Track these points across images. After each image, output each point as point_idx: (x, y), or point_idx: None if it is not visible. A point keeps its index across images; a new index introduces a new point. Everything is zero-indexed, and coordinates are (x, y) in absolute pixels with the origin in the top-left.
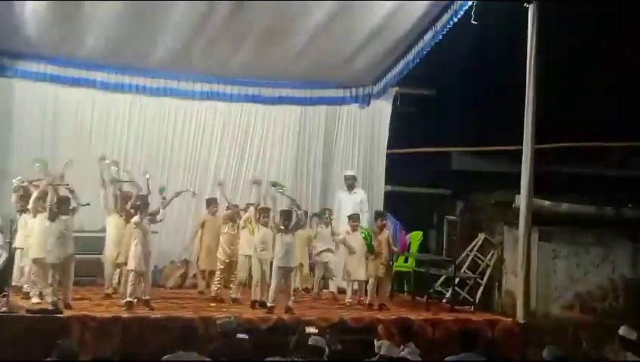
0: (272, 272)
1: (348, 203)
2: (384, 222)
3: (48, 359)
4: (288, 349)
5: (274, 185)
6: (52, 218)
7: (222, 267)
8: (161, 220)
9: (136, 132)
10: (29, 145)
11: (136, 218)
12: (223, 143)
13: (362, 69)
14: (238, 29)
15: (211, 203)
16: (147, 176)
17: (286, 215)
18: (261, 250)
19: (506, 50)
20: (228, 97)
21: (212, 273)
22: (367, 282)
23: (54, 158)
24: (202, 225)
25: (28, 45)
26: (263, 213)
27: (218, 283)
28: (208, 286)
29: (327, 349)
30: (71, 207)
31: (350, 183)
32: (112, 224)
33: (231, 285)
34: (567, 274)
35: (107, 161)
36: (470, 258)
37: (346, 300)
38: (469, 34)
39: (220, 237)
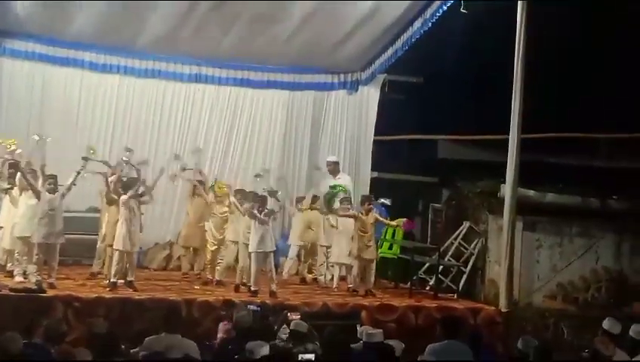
0: (251, 257)
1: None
2: (370, 205)
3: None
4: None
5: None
6: (37, 197)
7: (212, 250)
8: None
9: (123, 112)
10: (17, 123)
11: (123, 197)
12: (210, 126)
13: (351, 55)
14: (227, 13)
15: (196, 185)
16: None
17: (261, 200)
18: (248, 234)
19: (495, 39)
20: (216, 80)
21: (195, 252)
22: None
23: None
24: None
25: (17, 24)
26: (248, 198)
27: (209, 265)
28: (192, 267)
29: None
30: (62, 191)
31: (332, 169)
32: (104, 205)
33: (217, 267)
34: (551, 264)
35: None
36: (454, 246)
37: (334, 286)
38: (458, 22)
39: (210, 221)
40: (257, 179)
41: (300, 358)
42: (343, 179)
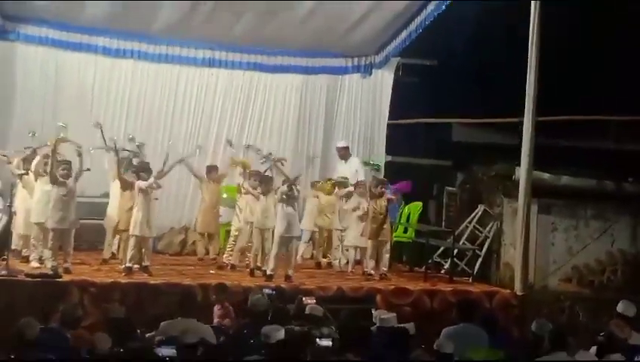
0: (274, 241)
1: (344, 172)
2: (383, 189)
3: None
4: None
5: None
6: (53, 182)
7: (235, 234)
8: (158, 187)
9: (137, 98)
10: (31, 108)
11: (139, 183)
12: (224, 111)
13: (365, 38)
14: None
15: (212, 170)
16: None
17: (291, 185)
18: (264, 218)
19: (509, 21)
20: (230, 65)
21: (211, 237)
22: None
23: (55, 123)
24: (202, 188)
25: (31, 9)
26: (264, 181)
27: (231, 252)
28: (208, 252)
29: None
30: (74, 173)
31: (342, 154)
32: (116, 190)
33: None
34: (566, 246)
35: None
36: (469, 229)
37: (349, 270)
38: (472, 5)
39: (237, 206)
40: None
41: (317, 344)
42: (354, 163)
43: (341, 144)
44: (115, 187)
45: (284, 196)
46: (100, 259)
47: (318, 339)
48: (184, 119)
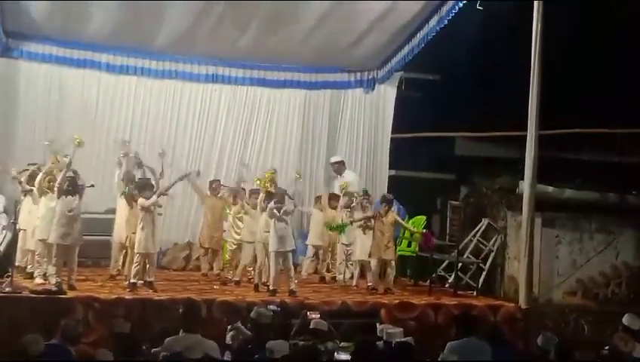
0: (270, 257)
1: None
2: (390, 205)
3: (52, 340)
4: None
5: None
6: (59, 196)
7: (231, 250)
8: (160, 205)
9: (141, 114)
10: (34, 126)
11: (142, 200)
12: (227, 126)
13: (367, 53)
14: (243, 12)
15: (213, 184)
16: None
17: (280, 199)
18: (265, 234)
19: (511, 35)
20: (233, 80)
21: (214, 252)
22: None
23: (59, 140)
24: (203, 202)
25: (34, 27)
26: (267, 198)
27: (228, 265)
28: (212, 268)
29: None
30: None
31: (336, 169)
32: (122, 205)
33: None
34: (570, 260)
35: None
36: (473, 243)
37: (353, 284)
38: (474, 19)
39: (230, 219)
40: None
41: (335, 358)
42: (349, 177)
43: (334, 159)
44: (121, 203)
45: (274, 212)
46: (104, 275)
47: (336, 353)
48: (187, 134)
